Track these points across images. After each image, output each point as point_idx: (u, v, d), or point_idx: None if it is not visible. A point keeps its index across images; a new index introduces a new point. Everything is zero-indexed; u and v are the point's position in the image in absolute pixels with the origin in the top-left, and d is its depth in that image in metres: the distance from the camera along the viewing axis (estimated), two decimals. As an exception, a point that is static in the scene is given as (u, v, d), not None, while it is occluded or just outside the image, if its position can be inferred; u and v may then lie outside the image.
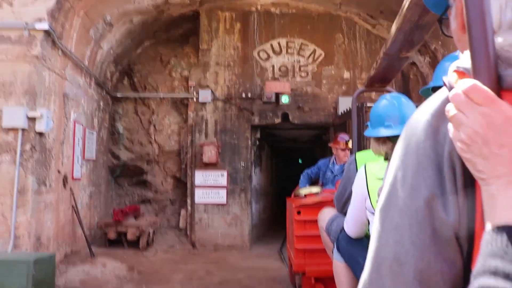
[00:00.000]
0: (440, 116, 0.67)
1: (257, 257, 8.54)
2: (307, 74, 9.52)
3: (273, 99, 8.51)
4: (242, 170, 9.37)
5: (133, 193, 9.92)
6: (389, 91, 3.63)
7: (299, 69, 9.53)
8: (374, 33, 9.56)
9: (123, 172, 9.85)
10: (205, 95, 9.32)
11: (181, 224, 9.48)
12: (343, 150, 5.17)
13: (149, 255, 7.87)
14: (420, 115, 0.70)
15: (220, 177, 9.30)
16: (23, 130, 5.63)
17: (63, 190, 6.78)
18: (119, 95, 9.66)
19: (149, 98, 9.76)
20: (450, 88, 0.67)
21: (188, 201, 9.36)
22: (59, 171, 6.60)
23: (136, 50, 9.80)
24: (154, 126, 9.70)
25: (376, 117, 2.30)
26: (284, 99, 8.57)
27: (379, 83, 3.52)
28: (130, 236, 7.75)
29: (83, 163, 7.74)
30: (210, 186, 9.30)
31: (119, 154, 9.72)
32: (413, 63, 9.13)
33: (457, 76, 0.67)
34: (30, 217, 5.63)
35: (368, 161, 2.41)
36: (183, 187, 9.61)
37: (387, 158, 1.96)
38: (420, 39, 2.52)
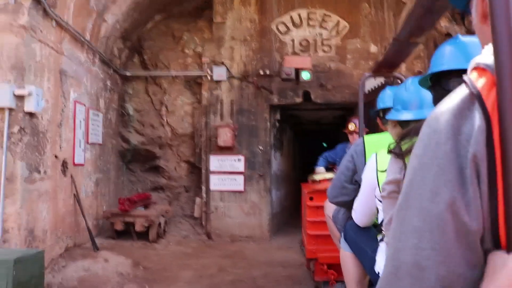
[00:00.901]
0: (461, 116, 0.64)
1: (277, 249, 7.83)
2: (330, 48, 8.65)
3: (293, 75, 7.68)
4: (261, 155, 8.62)
5: (145, 179, 9.29)
6: (397, 77, 3.52)
7: (322, 43, 8.67)
8: (403, 2, 8.59)
9: (134, 157, 9.22)
10: (219, 73, 8.56)
11: (196, 213, 8.82)
12: (350, 134, 4.95)
13: (159, 248, 7.23)
14: (440, 114, 0.67)
15: (236, 162, 8.57)
16: (10, 110, 4.98)
17: (62, 177, 6.15)
18: (128, 73, 8.97)
19: (161, 77, 9.04)
20: (472, 87, 0.65)
21: (203, 188, 8.68)
22: (56, 156, 5.96)
23: (146, 25, 9.06)
24: (166, 107, 9.00)
25: (399, 101, 2.20)
26: (305, 76, 7.73)
27: (387, 68, 3.39)
28: (138, 227, 7.12)
29: (87, 148, 7.10)
30: (226, 172, 8.60)
31: (129, 138, 9.07)
32: (448, 34, 8.17)
33: (477, 74, 0.66)
34: (20, 208, 5.01)
35: (379, 147, 2.31)
36: (198, 173, 8.93)
37: (389, 151, 1.73)
38: (431, 24, 2.43)
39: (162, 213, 7.98)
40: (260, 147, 8.61)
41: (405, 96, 2.14)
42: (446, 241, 0.62)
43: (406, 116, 2.10)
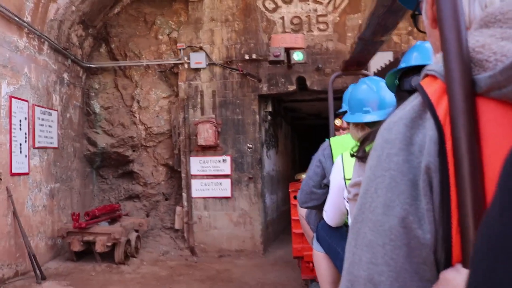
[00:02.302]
0: (413, 125, 0.62)
1: (272, 265, 6.56)
2: (327, 26, 7.35)
3: (282, 56, 6.36)
4: (250, 153, 7.33)
5: (118, 187, 8.03)
6: (366, 75, 3.53)
7: (317, 20, 7.37)
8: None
9: (104, 161, 7.96)
10: (198, 59, 7.29)
11: (177, 224, 7.54)
12: (337, 130, 4.56)
13: (127, 271, 5.97)
14: (393, 124, 0.65)
15: (221, 163, 7.29)
16: None
17: (-8, 192, 4.89)
18: (92, 65, 7.71)
19: (131, 68, 7.77)
20: (423, 95, 0.63)
21: (184, 195, 7.40)
22: (-19, 166, 4.70)
23: (113, 9, 7.79)
24: (138, 102, 7.73)
25: (355, 102, 2.22)
26: (297, 56, 6.41)
27: (355, 66, 3.42)
28: (99, 247, 5.85)
29: (34, 153, 5.84)
30: (209, 176, 7.32)
31: (97, 140, 7.80)
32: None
33: (428, 82, 0.65)
34: None
35: (345, 148, 2.28)
36: (178, 177, 7.65)
37: (352, 155, 1.54)
38: (394, 23, 2.47)
39: (134, 227, 6.72)
40: (249, 145, 7.32)
41: (366, 97, 2.15)
42: (399, 256, 0.60)
43: (367, 118, 2.10)
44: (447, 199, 0.58)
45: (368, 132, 1.48)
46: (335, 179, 2.25)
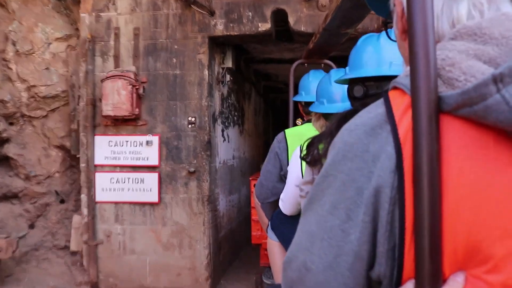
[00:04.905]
0: (372, 134, 0.63)
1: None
2: None
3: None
4: (192, 132, 4.51)
5: (-11, 180, 5.09)
6: (329, 64, 3.55)
7: None
8: None
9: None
10: (108, -26, 4.37)
11: (73, 244, 4.70)
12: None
13: None
14: (354, 127, 0.66)
15: (144, 147, 4.46)
16: None
17: None
18: None
19: (7, -9, 4.79)
20: (388, 106, 0.63)
21: (83, 197, 4.55)
22: None
23: None
24: (15, 45, 4.78)
25: (324, 93, 2.20)
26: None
27: (318, 56, 3.40)
28: None
29: None
30: (125, 167, 4.49)
31: None
32: None
33: (395, 95, 0.65)
34: None
35: (301, 140, 1.95)
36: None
37: (302, 158, 1.51)
38: (361, 17, 2.45)
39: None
40: (191, 118, 4.49)
41: (330, 89, 2.14)
42: (330, 253, 0.64)
43: (330, 109, 2.12)
44: (401, 216, 0.58)
45: (313, 136, 1.39)
46: (293, 171, 2.23)
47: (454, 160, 0.56)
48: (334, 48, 3.26)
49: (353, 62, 1.70)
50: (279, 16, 4.55)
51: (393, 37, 0.82)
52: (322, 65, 3.61)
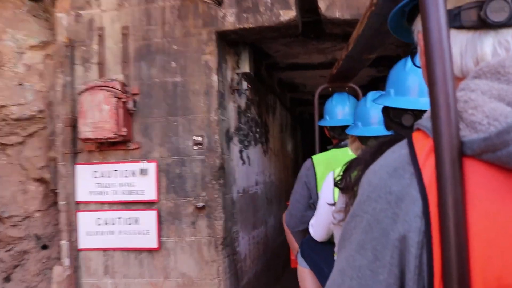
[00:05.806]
0: (394, 175, 0.62)
1: None
2: None
3: None
4: (199, 156, 3.48)
5: (-40, 222, 4.16)
6: (353, 88, 3.46)
7: None
8: None
9: None
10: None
11: (55, 302, 3.69)
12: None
13: None
14: (379, 167, 0.66)
15: (137, 177, 3.46)
16: None
17: None
18: None
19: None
20: (411, 149, 0.62)
21: (63, 243, 3.55)
22: None
23: None
24: (-19, 56, 3.89)
25: (359, 116, 2.15)
26: None
27: (342, 80, 3.36)
28: None
29: None
30: (114, 203, 3.49)
31: None
32: None
33: (419, 136, 0.64)
34: None
35: (329, 165, 2.41)
36: (65, 204, 3.77)
37: (336, 184, 1.55)
38: (382, 43, 2.46)
39: None
40: (198, 138, 3.47)
41: (366, 112, 2.11)
42: None
43: (364, 131, 2.09)
44: (429, 261, 0.57)
45: (350, 160, 1.43)
46: (325, 196, 2.21)
47: (479, 204, 0.55)
48: (357, 72, 3.23)
49: (400, 85, 1.63)
50: (306, 3, 3.53)
51: (417, 63, 0.80)
52: (347, 88, 3.42)
